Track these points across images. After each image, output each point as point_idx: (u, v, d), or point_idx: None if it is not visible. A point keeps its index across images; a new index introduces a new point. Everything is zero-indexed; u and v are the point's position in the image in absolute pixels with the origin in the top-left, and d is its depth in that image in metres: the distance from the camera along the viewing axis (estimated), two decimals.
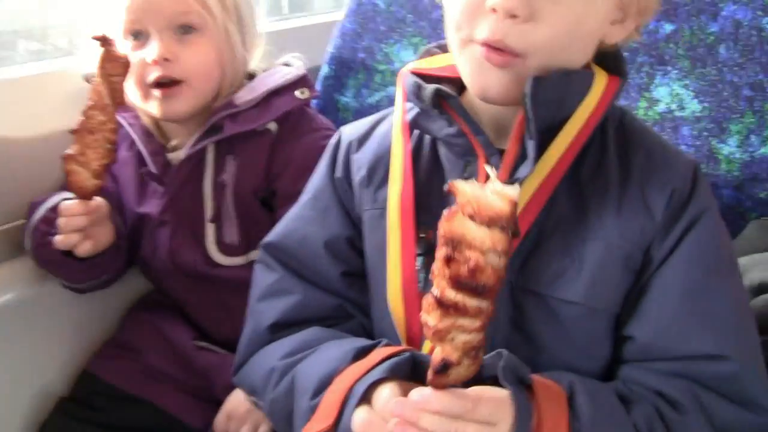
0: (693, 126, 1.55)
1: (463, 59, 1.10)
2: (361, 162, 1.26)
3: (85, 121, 1.43)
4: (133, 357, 1.68)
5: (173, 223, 1.61)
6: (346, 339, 1.17)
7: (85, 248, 1.49)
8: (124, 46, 1.53)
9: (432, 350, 0.92)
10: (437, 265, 0.88)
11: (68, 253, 1.51)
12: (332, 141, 1.33)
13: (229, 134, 1.56)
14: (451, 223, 0.86)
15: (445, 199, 1.10)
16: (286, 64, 1.67)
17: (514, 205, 0.86)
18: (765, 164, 1.49)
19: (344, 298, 1.25)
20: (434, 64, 1.23)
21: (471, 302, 0.87)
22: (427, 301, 0.89)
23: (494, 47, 1.04)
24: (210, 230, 1.60)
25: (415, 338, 1.15)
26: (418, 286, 1.15)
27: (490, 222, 0.84)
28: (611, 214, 1.11)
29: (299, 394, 1.11)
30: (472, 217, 0.84)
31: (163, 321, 1.70)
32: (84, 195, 1.46)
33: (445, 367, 0.90)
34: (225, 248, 1.60)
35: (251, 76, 1.68)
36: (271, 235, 1.32)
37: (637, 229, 1.10)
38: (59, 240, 1.47)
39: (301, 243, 1.27)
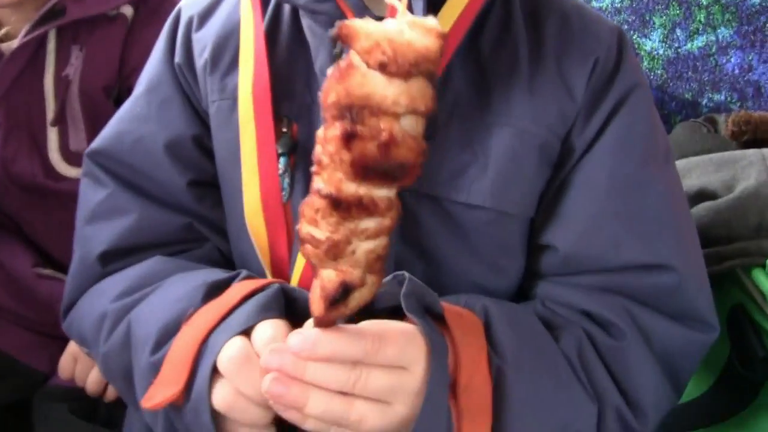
0: (612, 18, 1.40)
1: None
2: (204, 42, 1.02)
3: None
4: None
5: (5, 126, 1.38)
6: (194, 271, 0.95)
7: None
8: None
9: (307, 277, 0.75)
10: (327, 151, 0.65)
11: None
12: (170, 18, 1.09)
13: (73, 19, 1.33)
14: (347, 82, 0.63)
15: (311, 83, 0.94)
16: None
17: (443, 39, 0.62)
18: (691, 61, 1.35)
19: (193, 214, 1.02)
20: None
21: (380, 193, 0.66)
22: (311, 206, 0.67)
23: None
24: (53, 135, 1.38)
25: (281, 263, 0.94)
26: (281, 195, 0.94)
27: (411, 69, 0.61)
28: (520, 95, 0.92)
29: (137, 347, 0.88)
30: (383, 68, 0.61)
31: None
32: None
33: (345, 292, 0.68)
34: (70, 156, 1.39)
35: None
36: (98, 140, 1.07)
37: (554, 111, 0.92)
38: None
39: (134, 147, 1.03)
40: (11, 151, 1.38)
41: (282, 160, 0.93)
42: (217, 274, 0.91)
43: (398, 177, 0.65)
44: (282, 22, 0.99)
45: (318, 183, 0.66)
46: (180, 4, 1.09)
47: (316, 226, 0.67)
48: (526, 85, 0.92)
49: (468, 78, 0.93)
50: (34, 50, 1.36)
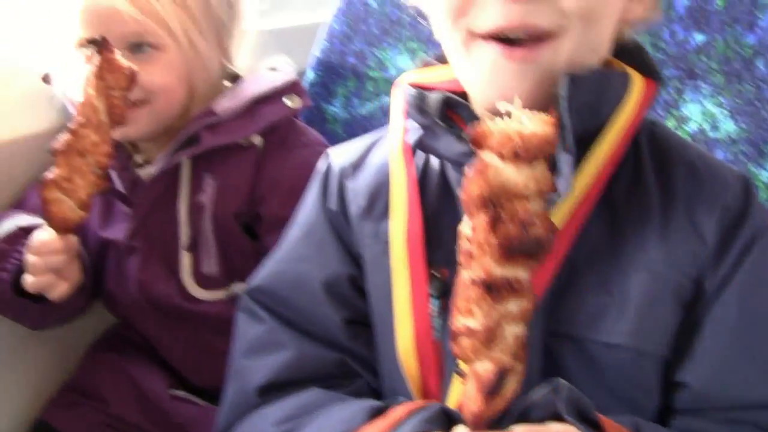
0: (728, 149, 1.40)
1: (470, 63, 0.95)
2: (357, 191, 1.11)
3: (74, 141, 1.22)
4: (95, 405, 1.50)
5: (144, 250, 1.44)
6: (354, 399, 1.00)
7: (60, 291, 1.31)
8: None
9: (461, 403, 0.78)
10: (475, 241, 0.75)
11: (21, 291, 1.33)
12: (320, 167, 1.18)
13: (207, 147, 1.39)
14: (485, 176, 0.74)
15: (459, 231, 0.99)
16: (273, 69, 1.49)
17: (556, 126, 0.74)
18: None
19: (347, 351, 1.07)
20: (433, 76, 1.08)
21: (522, 274, 0.76)
22: (465, 298, 0.76)
23: (509, 40, 0.89)
24: (185, 259, 1.43)
25: (432, 397, 0.99)
26: (434, 335, 0.99)
27: (537, 154, 0.73)
28: (654, 240, 0.97)
29: None
30: (515, 157, 0.73)
31: (131, 364, 1.52)
32: (65, 228, 1.26)
33: (501, 379, 0.76)
34: (203, 280, 1.44)
35: (234, 78, 1.51)
36: (257, 279, 1.15)
37: (687, 255, 0.96)
38: (32, 282, 1.29)
39: (294, 285, 1.11)
40: (149, 274, 1.43)
41: (434, 302, 0.99)
42: (375, 401, 0.97)
43: (536, 254, 0.75)
44: (430, 173, 1.06)
45: (468, 274, 0.75)
46: (328, 154, 1.18)
47: (471, 316, 0.75)
48: (659, 231, 0.97)
49: (603, 225, 0.98)
50: (171, 177, 1.42)
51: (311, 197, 1.16)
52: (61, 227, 1.26)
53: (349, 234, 1.10)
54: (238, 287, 1.43)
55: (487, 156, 0.73)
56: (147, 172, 1.43)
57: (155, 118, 1.39)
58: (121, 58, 1.24)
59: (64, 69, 1.47)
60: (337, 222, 1.11)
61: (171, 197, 1.42)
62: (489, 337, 0.74)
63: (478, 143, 0.74)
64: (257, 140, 1.43)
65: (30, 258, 1.28)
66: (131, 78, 1.25)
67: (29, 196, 1.50)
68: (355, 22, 1.78)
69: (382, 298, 1.04)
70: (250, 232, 1.44)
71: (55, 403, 1.52)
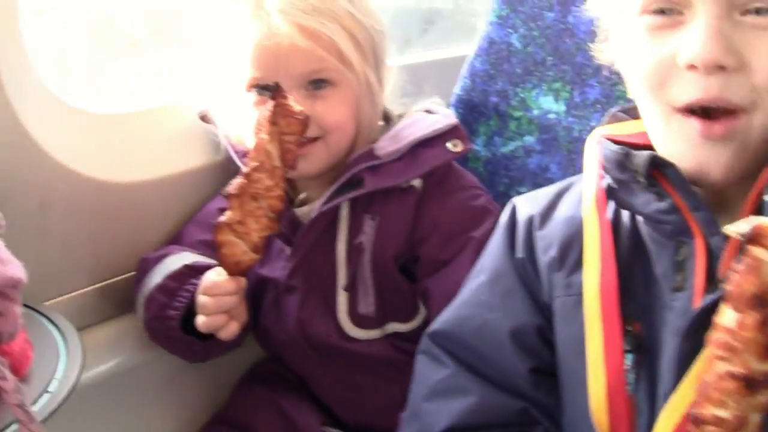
0: None
1: (669, 135, 0.99)
2: (548, 241, 1.13)
3: (248, 185, 1.26)
4: None
5: (302, 289, 1.47)
6: None
7: (230, 331, 1.35)
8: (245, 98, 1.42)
9: None
10: (740, 338, 0.76)
11: (188, 327, 1.38)
12: (505, 215, 1.21)
13: (370, 191, 1.41)
14: (759, 274, 0.75)
15: (650, 285, 1.01)
16: (428, 111, 1.50)
17: None
18: None
19: (530, 400, 1.09)
20: (623, 131, 1.10)
21: None
22: (720, 389, 0.77)
23: (708, 117, 0.93)
24: (342, 298, 1.45)
25: None
26: (626, 389, 0.99)
27: None
28: None
29: None
30: None
31: (283, 398, 1.55)
32: (237, 271, 1.30)
33: None
34: (359, 319, 1.45)
35: (386, 118, 1.55)
36: (440, 323, 1.18)
37: None
38: (203, 323, 1.33)
39: (479, 332, 1.13)
40: (307, 313, 1.46)
41: (629, 356, 0.99)
42: None
43: None
44: (621, 225, 1.07)
45: (726, 366, 0.77)
46: (513, 201, 1.21)
47: (723, 407, 0.77)
48: None
49: None
50: (330, 218, 1.44)
51: (496, 245, 1.18)
52: (234, 269, 1.29)
53: (536, 283, 1.12)
54: (391, 326, 1.45)
55: (761, 253, 0.74)
56: (306, 211, 1.46)
57: (328, 153, 1.42)
58: (293, 103, 1.27)
59: (222, 107, 1.50)
60: (525, 271, 1.14)
61: (330, 237, 1.45)
62: (738, 428, 0.76)
63: (755, 240, 0.75)
64: (417, 182, 1.44)
65: (202, 299, 1.32)
66: (304, 123, 1.28)
67: (186, 232, 1.55)
68: (497, 62, 1.79)
69: (572, 350, 1.05)
70: (407, 272, 1.45)
71: None
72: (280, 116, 1.26)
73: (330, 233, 1.45)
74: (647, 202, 1.01)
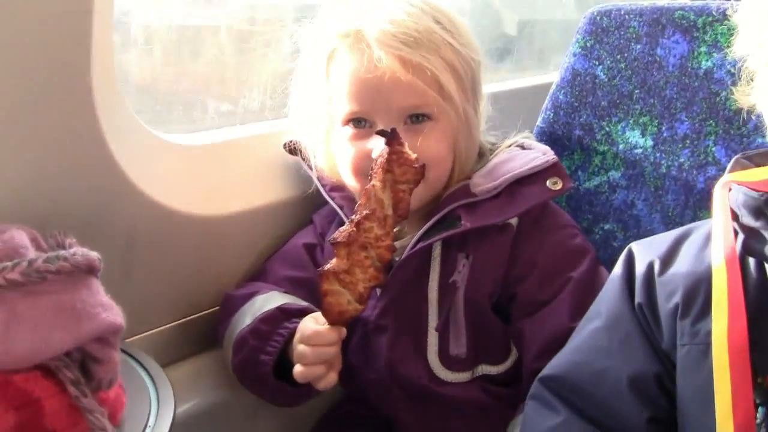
0: None
1: None
2: (670, 288, 1.11)
3: (357, 234, 1.23)
4: None
5: (393, 329, 1.43)
6: None
7: (328, 381, 1.32)
8: (341, 131, 1.42)
9: None
10: None
11: (278, 372, 1.37)
12: (622, 259, 1.20)
13: (466, 230, 1.38)
14: None
15: None
16: (521, 146, 1.47)
17: None
18: None
19: None
20: (750, 177, 1.09)
21: None
22: None
23: None
24: (433, 339, 1.42)
25: None
26: None
27: None
28: None
29: None
30: None
31: None
32: (340, 321, 1.28)
33: None
34: (449, 361, 1.43)
35: (479, 152, 1.53)
36: (553, 368, 1.17)
37: None
38: (302, 373, 1.30)
39: (596, 379, 1.12)
40: (398, 353, 1.43)
41: (761, 410, 0.98)
42: None
43: None
44: (749, 275, 1.05)
45: None
46: (630, 247, 1.19)
47: None
48: None
49: None
50: (423, 256, 1.42)
51: (613, 290, 1.17)
52: (336, 319, 1.27)
53: (656, 330, 1.11)
54: (481, 369, 1.43)
55: None
56: (398, 249, 1.42)
57: (426, 189, 1.39)
58: (409, 150, 1.25)
59: (313, 139, 1.49)
60: (644, 317, 1.12)
61: (422, 276, 1.42)
62: None
63: None
64: (513, 220, 1.42)
65: (301, 348, 1.30)
66: (420, 172, 1.26)
67: (270, 268, 1.54)
68: (582, 94, 1.76)
69: (697, 400, 1.04)
70: (500, 313, 1.42)
71: None
72: (395, 164, 1.24)
73: (422, 271, 1.42)
74: None
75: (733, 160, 1.13)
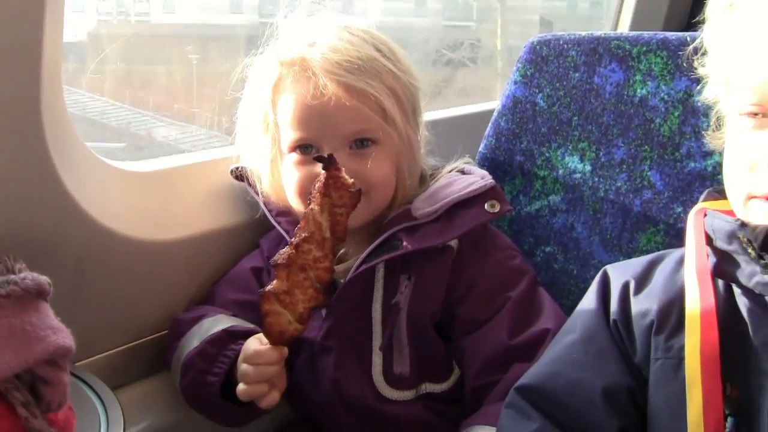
0: None
1: (748, 216, 1.10)
2: (645, 306, 1.20)
3: (296, 256, 1.30)
4: None
5: (338, 349, 1.49)
6: None
7: (270, 399, 1.38)
8: (287, 157, 1.49)
9: None
10: None
11: (225, 392, 1.42)
12: (597, 280, 1.29)
13: (407, 252, 1.44)
14: None
15: (748, 353, 1.08)
16: (462, 171, 1.54)
17: None
18: None
19: None
20: (724, 207, 1.19)
21: None
22: None
23: None
24: (377, 359, 1.48)
25: None
26: None
27: None
28: None
29: None
30: None
31: None
32: (281, 340, 1.33)
33: None
34: (394, 380, 1.48)
35: (420, 178, 1.60)
36: (529, 378, 1.24)
37: None
38: (245, 391, 1.35)
39: (570, 390, 1.19)
40: (343, 373, 1.48)
41: (730, 420, 1.06)
42: None
43: None
44: (718, 296, 1.14)
45: None
46: (606, 269, 1.29)
47: None
48: None
49: None
50: (365, 278, 1.48)
51: (590, 305, 1.26)
52: (278, 339, 1.33)
53: (629, 345, 1.20)
54: (425, 387, 1.48)
55: None
56: (342, 270, 1.50)
57: (370, 209, 1.47)
58: (346, 175, 1.32)
59: (258, 165, 1.54)
60: (617, 333, 1.21)
61: (366, 298, 1.48)
62: None
63: None
64: (453, 242, 1.49)
65: (244, 367, 1.35)
66: (357, 197, 1.33)
67: (218, 292, 1.59)
68: (522, 121, 1.84)
69: (669, 412, 1.12)
70: (441, 332, 1.48)
71: None
72: (332, 188, 1.30)
73: (366, 293, 1.48)
74: (752, 275, 1.07)
75: (705, 192, 1.24)
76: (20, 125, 1.22)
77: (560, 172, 1.78)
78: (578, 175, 1.75)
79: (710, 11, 1.19)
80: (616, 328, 1.21)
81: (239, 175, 1.60)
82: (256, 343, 1.36)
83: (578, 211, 1.75)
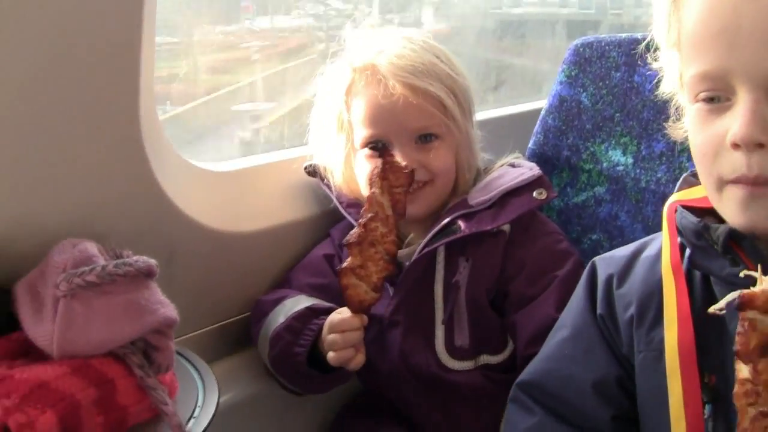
0: None
1: (722, 201, 1.15)
2: (627, 299, 1.30)
3: (366, 233, 1.54)
4: None
5: (405, 324, 1.74)
6: None
7: (357, 362, 1.61)
8: (360, 152, 1.74)
9: None
10: (761, 381, 0.94)
11: (311, 364, 1.65)
12: (585, 273, 1.40)
13: (465, 235, 1.68)
14: (757, 330, 0.94)
15: (725, 341, 1.16)
16: (512, 165, 1.75)
17: None
18: None
19: None
20: (695, 194, 1.27)
21: None
22: (759, 427, 0.94)
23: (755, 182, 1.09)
24: (440, 332, 1.71)
25: None
26: None
27: None
28: None
29: None
30: None
31: (381, 427, 1.81)
32: (361, 308, 1.57)
33: None
34: (455, 351, 1.72)
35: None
36: (528, 374, 1.39)
37: None
38: (335, 357, 1.58)
39: (564, 384, 1.32)
40: (409, 345, 1.73)
41: (708, 407, 1.16)
42: None
43: None
44: (695, 286, 1.24)
45: (755, 410, 0.95)
46: (594, 261, 1.41)
47: None
48: None
49: None
50: (428, 259, 1.72)
51: (578, 301, 1.38)
52: (357, 308, 1.57)
53: (616, 338, 1.30)
54: (483, 358, 1.71)
55: (751, 314, 0.95)
56: (407, 254, 1.75)
57: (435, 196, 1.73)
58: (400, 159, 1.59)
59: (331, 162, 1.81)
60: (605, 326, 1.32)
61: (429, 277, 1.73)
62: None
63: (744, 306, 0.95)
64: (506, 227, 1.73)
65: (331, 336, 1.59)
66: (411, 175, 1.59)
67: (294, 277, 1.85)
68: (568, 118, 2.05)
69: (652, 400, 1.22)
70: (497, 309, 1.72)
71: None
72: (389, 172, 1.56)
73: (429, 273, 1.73)
74: (722, 266, 1.15)
75: (681, 178, 1.32)
76: (120, 130, 1.43)
77: (604, 165, 1.99)
78: (621, 168, 1.96)
79: (655, 4, 1.24)
80: (602, 322, 1.31)
81: (312, 172, 1.84)
82: (339, 316, 1.59)
83: (622, 201, 1.95)
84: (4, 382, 1.12)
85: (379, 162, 1.56)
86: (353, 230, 1.54)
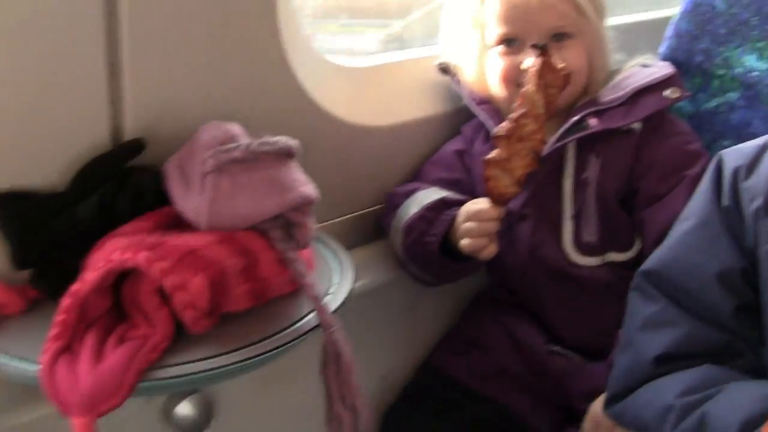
0: None
1: None
2: (754, 191, 1.28)
3: (515, 128, 1.57)
4: (479, 354, 1.87)
5: (534, 217, 1.78)
6: (752, 381, 1.20)
7: (490, 251, 1.65)
8: (492, 50, 1.77)
9: None
10: None
11: (444, 252, 1.71)
12: (712, 166, 1.39)
13: (595, 131, 1.72)
14: None
15: None
16: (644, 65, 1.76)
17: None
18: None
19: (734, 334, 1.27)
20: None
21: None
22: None
23: None
24: (568, 227, 1.75)
25: None
26: None
27: None
28: None
29: None
30: None
31: (511, 320, 1.87)
32: (501, 201, 1.61)
33: None
34: (582, 247, 1.76)
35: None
36: (652, 262, 1.40)
37: None
38: (469, 244, 1.64)
39: (687, 273, 1.32)
40: (538, 238, 1.78)
41: None
42: None
43: None
44: None
45: None
46: (720, 154, 1.40)
47: None
48: None
49: None
50: (558, 156, 1.76)
51: (704, 192, 1.37)
52: (498, 200, 1.60)
53: (742, 230, 1.28)
54: (611, 255, 1.75)
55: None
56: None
57: (569, 95, 1.73)
58: (557, 60, 1.60)
59: (463, 60, 1.85)
60: (730, 219, 1.30)
61: (558, 173, 1.77)
62: None
63: None
64: (636, 126, 1.75)
65: (467, 224, 1.64)
66: (566, 79, 1.60)
67: (425, 171, 1.91)
68: (702, 23, 2.03)
69: None
70: (625, 207, 1.75)
71: (442, 349, 1.93)
72: (547, 71, 1.58)
73: (559, 169, 1.77)
74: None
75: None
76: (259, 23, 1.49)
77: (738, 70, 1.96)
78: (756, 74, 1.93)
79: None
80: (728, 213, 1.30)
81: (443, 69, 1.88)
82: (481, 206, 1.63)
83: (755, 107, 1.93)
84: (159, 248, 1.19)
85: (536, 60, 1.57)
86: (502, 123, 1.57)
